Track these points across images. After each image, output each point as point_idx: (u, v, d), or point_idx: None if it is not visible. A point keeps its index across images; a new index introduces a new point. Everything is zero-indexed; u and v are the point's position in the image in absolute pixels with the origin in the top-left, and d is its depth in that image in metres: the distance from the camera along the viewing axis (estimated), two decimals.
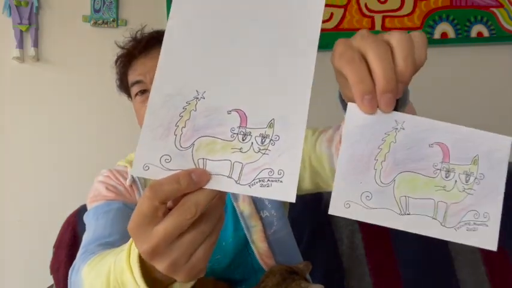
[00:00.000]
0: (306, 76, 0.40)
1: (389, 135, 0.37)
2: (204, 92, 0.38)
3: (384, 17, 1.48)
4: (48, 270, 1.14)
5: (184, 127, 0.38)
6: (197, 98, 0.38)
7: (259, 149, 0.38)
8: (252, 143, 0.38)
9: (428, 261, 1.16)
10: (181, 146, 0.37)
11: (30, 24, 1.40)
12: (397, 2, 1.48)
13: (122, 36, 1.42)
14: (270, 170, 0.37)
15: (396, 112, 0.39)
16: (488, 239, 0.39)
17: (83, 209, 1.18)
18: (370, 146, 0.37)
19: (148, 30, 0.97)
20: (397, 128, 0.38)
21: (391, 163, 0.37)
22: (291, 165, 0.37)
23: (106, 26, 1.43)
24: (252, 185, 0.37)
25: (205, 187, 0.37)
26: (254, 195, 0.37)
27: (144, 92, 0.89)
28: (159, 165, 0.37)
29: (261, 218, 0.89)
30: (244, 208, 0.89)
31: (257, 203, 0.89)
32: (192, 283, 0.45)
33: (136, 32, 0.95)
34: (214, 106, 0.38)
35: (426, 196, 0.36)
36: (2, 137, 1.42)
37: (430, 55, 1.63)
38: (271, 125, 0.38)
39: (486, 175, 0.38)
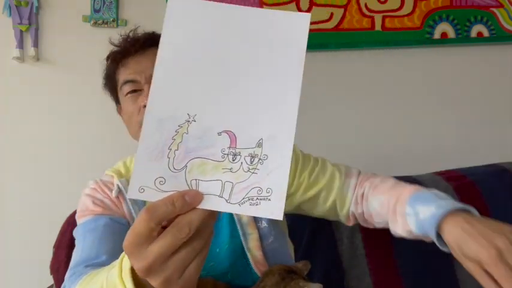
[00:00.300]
0: (293, 95, 0.43)
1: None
2: (195, 115, 0.40)
3: (383, 17, 1.48)
4: (48, 270, 1.14)
5: (177, 150, 0.39)
6: (188, 121, 0.40)
7: (249, 169, 0.39)
8: (242, 162, 0.40)
9: (428, 261, 1.15)
10: (174, 168, 0.39)
11: (30, 24, 1.40)
12: (397, 2, 1.48)
13: (119, 36, 1.42)
14: (258, 188, 0.39)
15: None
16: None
17: None
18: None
19: (143, 30, 0.96)
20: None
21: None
22: (278, 183, 0.39)
23: (106, 26, 1.43)
24: (242, 203, 0.39)
25: (198, 207, 0.39)
26: (243, 213, 0.39)
27: (135, 91, 0.87)
28: (153, 187, 0.39)
29: (258, 228, 0.89)
30: (242, 216, 0.89)
31: None
32: None
33: (130, 32, 0.94)
34: (205, 128, 0.40)
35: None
36: (2, 137, 1.42)
37: (430, 55, 1.63)
38: (259, 144, 0.40)
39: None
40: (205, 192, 0.39)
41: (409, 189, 0.78)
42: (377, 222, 0.87)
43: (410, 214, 0.71)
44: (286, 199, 0.88)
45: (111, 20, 1.43)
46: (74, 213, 1.17)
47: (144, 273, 0.40)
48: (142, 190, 0.39)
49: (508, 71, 1.55)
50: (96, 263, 0.76)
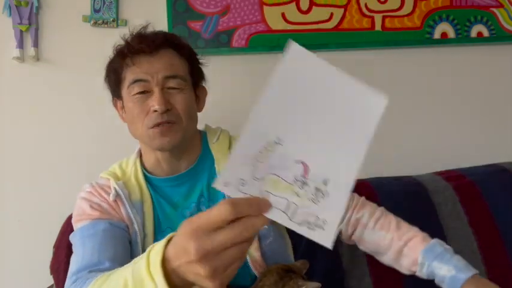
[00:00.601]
0: (359, 155, 0.50)
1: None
2: (283, 140, 0.48)
3: (383, 17, 1.48)
4: (48, 270, 1.14)
5: (262, 162, 0.47)
6: (277, 143, 0.48)
7: (312, 199, 0.47)
8: (307, 191, 0.47)
9: None
10: (255, 176, 0.46)
11: (30, 24, 1.40)
12: (397, 2, 1.48)
13: (122, 36, 1.42)
14: (316, 217, 0.46)
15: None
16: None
17: None
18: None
19: (153, 28, 0.94)
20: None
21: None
22: (333, 218, 0.47)
23: (106, 26, 1.43)
24: (300, 224, 0.46)
25: (264, 215, 0.45)
26: (299, 232, 0.46)
27: (144, 93, 0.85)
28: (235, 185, 0.46)
29: None
30: None
31: None
32: None
33: (141, 29, 0.92)
34: (286, 153, 0.48)
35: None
36: (2, 137, 1.42)
37: (430, 55, 1.64)
38: (325, 182, 0.48)
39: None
40: (273, 205, 0.46)
41: (418, 237, 0.85)
42: (366, 248, 0.93)
43: (424, 264, 0.81)
44: None
45: (111, 20, 1.43)
46: None
47: (200, 256, 0.43)
48: (226, 185, 0.46)
49: (508, 71, 1.55)
50: (99, 269, 0.76)
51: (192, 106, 0.90)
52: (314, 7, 1.46)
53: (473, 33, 1.50)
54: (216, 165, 0.91)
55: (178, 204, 0.91)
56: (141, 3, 1.44)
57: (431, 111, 1.53)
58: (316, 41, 1.45)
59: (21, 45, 1.39)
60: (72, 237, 0.87)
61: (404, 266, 0.86)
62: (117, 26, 1.43)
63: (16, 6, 1.38)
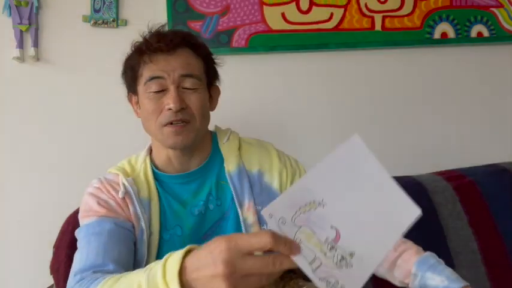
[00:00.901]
0: (387, 244, 0.54)
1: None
2: (326, 203, 0.54)
3: (383, 17, 1.48)
4: (48, 270, 1.14)
5: (303, 213, 0.53)
6: (320, 203, 0.54)
7: (336, 263, 0.51)
8: (334, 255, 0.52)
9: None
10: (294, 222, 0.52)
11: (30, 24, 1.40)
12: (397, 2, 1.48)
13: (121, 36, 1.43)
14: (336, 281, 0.50)
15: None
16: None
17: None
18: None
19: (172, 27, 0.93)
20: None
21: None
22: (351, 286, 0.51)
23: (106, 26, 1.43)
24: (321, 280, 0.50)
25: (292, 257, 0.49)
26: (318, 285, 0.50)
27: (160, 91, 0.86)
28: (277, 220, 0.52)
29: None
30: (248, 216, 0.90)
31: (261, 216, 0.90)
32: None
33: (159, 27, 0.93)
34: (326, 216, 0.53)
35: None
36: (2, 137, 1.42)
37: (430, 55, 1.63)
38: (351, 255, 0.52)
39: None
40: (302, 253, 0.51)
41: (412, 249, 0.88)
42: None
43: (417, 275, 0.82)
44: None
45: (111, 20, 1.43)
46: (74, 213, 1.18)
47: (228, 272, 0.46)
48: (270, 216, 0.51)
49: (508, 71, 1.55)
50: (103, 270, 0.77)
51: (206, 105, 0.91)
52: (314, 7, 1.46)
53: (473, 33, 1.50)
54: (225, 165, 0.93)
55: (187, 201, 0.92)
56: (141, 3, 1.44)
57: (431, 111, 1.53)
58: (316, 41, 1.45)
59: (21, 45, 1.39)
60: (78, 233, 0.87)
61: (397, 277, 0.87)
62: (117, 26, 1.43)
63: (16, 6, 1.38)
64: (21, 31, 1.39)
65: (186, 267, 0.51)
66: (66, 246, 1.12)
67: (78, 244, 0.85)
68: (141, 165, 0.94)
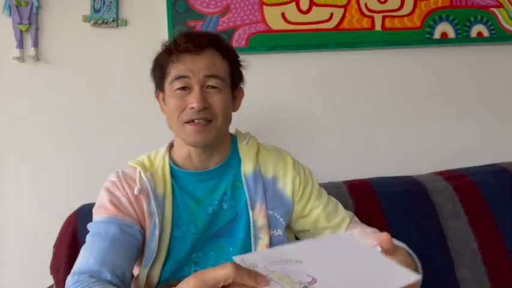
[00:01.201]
0: None
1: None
2: (305, 262, 0.52)
3: (383, 17, 1.48)
4: (48, 270, 1.14)
5: (277, 264, 0.51)
6: (298, 262, 0.52)
7: None
8: None
9: (428, 261, 1.15)
10: (266, 268, 0.50)
11: (30, 24, 1.40)
12: (397, 2, 1.48)
13: (121, 36, 1.43)
14: None
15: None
16: None
17: (82, 209, 1.18)
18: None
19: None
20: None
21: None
22: None
23: (106, 26, 1.43)
24: None
25: None
26: None
27: (184, 88, 0.89)
28: (247, 265, 0.50)
29: (271, 235, 0.92)
30: (258, 219, 0.92)
31: (271, 220, 0.93)
32: None
33: (189, 29, 0.98)
34: (303, 269, 0.51)
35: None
36: (2, 137, 1.42)
37: (430, 55, 1.63)
38: None
39: None
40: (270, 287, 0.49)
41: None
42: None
43: None
44: (298, 221, 0.99)
45: (111, 20, 1.43)
46: (74, 213, 1.18)
47: None
48: (242, 260, 0.50)
49: (508, 71, 1.55)
50: (100, 277, 0.80)
51: (228, 106, 0.93)
52: (314, 7, 1.46)
53: (473, 33, 1.50)
54: (242, 166, 0.95)
55: (202, 199, 0.93)
56: (141, 3, 1.44)
57: (431, 111, 1.53)
58: (316, 41, 1.45)
59: (21, 45, 1.40)
60: (89, 227, 0.91)
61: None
62: (117, 26, 1.43)
63: (16, 6, 1.38)
64: (21, 31, 1.39)
65: None
66: (66, 246, 1.12)
67: (86, 239, 0.88)
68: (160, 161, 0.97)
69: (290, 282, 0.49)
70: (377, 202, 1.20)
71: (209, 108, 0.89)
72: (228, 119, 0.94)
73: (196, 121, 0.88)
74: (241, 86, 1.00)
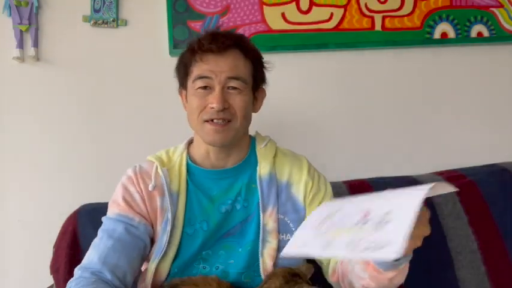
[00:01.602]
0: (415, 200, 0.56)
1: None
2: (343, 207, 0.58)
3: (384, 17, 1.48)
4: (48, 270, 1.14)
5: (324, 224, 0.56)
6: (338, 210, 0.57)
7: (375, 228, 0.52)
8: (370, 225, 0.53)
9: (428, 261, 1.15)
10: (318, 233, 0.56)
11: (30, 24, 1.40)
12: (397, 2, 1.48)
13: (121, 36, 1.43)
14: (377, 241, 0.50)
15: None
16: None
17: (83, 209, 1.18)
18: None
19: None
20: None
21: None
22: (398, 234, 0.50)
23: (106, 26, 1.43)
24: (363, 251, 0.51)
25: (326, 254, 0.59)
26: (364, 258, 0.55)
27: (206, 88, 0.90)
28: (298, 247, 0.59)
29: (279, 239, 0.92)
30: (268, 222, 0.92)
31: (281, 225, 0.93)
32: None
33: (214, 29, 0.96)
34: (346, 211, 0.57)
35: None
36: (2, 137, 1.42)
37: (430, 55, 1.63)
38: (388, 213, 0.54)
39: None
40: (335, 248, 0.52)
41: None
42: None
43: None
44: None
45: (111, 20, 1.43)
46: (74, 213, 1.18)
47: None
48: (289, 247, 0.56)
49: (508, 71, 1.55)
50: (100, 275, 0.83)
51: (249, 107, 0.94)
52: (314, 7, 1.46)
53: (473, 33, 1.50)
54: (258, 168, 0.96)
55: (216, 198, 0.94)
56: (141, 3, 1.44)
57: (431, 111, 1.53)
58: (316, 41, 1.45)
59: (21, 45, 1.39)
60: (103, 219, 0.93)
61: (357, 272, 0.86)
62: (117, 26, 1.43)
63: (16, 6, 1.38)
64: (21, 31, 1.39)
65: None
66: (66, 246, 1.12)
67: (98, 233, 0.91)
68: (178, 157, 0.98)
69: (347, 230, 0.51)
70: None
71: (229, 109, 0.89)
72: (247, 120, 0.95)
73: (215, 121, 0.89)
74: (263, 87, 1.01)
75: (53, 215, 1.24)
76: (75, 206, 1.19)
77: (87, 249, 0.89)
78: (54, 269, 1.12)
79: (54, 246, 1.17)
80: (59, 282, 1.08)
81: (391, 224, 0.50)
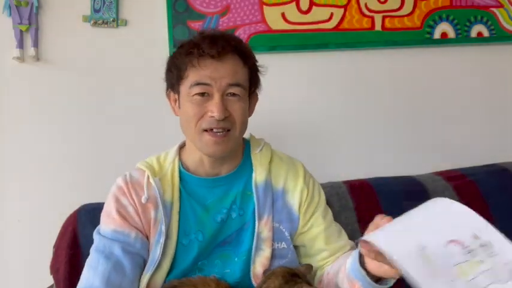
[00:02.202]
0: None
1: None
2: (427, 242, 0.57)
3: (384, 17, 1.48)
4: (48, 270, 1.14)
5: (438, 269, 0.54)
6: (424, 246, 0.56)
7: (487, 256, 0.54)
8: (479, 254, 0.54)
9: None
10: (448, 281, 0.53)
11: (30, 24, 1.40)
12: (397, 2, 1.48)
13: (121, 36, 1.43)
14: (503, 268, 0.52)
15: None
16: None
17: (83, 209, 1.18)
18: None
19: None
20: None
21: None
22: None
23: (106, 26, 1.43)
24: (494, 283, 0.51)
25: None
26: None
27: (203, 95, 0.86)
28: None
29: (274, 248, 0.90)
30: (263, 230, 0.90)
31: (276, 233, 0.91)
32: None
33: (210, 31, 0.91)
34: (433, 251, 0.55)
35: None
36: (2, 137, 1.42)
37: (430, 55, 1.63)
38: (475, 237, 0.58)
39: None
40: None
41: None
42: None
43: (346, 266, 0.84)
44: (298, 236, 0.95)
45: (111, 20, 1.42)
46: (74, 213, 1.18)
47: None
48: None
49: (508, 71, 1.55)
50: None
51: (246, 114, 0.91)
52: (314, 7, 1.46)
53: (473, 33, 1.50)
54: (254, 175, 0.92)
55: (211, 207, 0.91)
56: (141, 3, 1.44)
57: (431, 111, 1.53)
58: (316, 41, 1.45)
59: (21, 45, 1.39)
60: (95, 234, 0.89)
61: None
62: (117, 26, 1.43)
63: (16, 6, 1.38)
64: (21, 31, 1.39)
65: None
66: (66, 246, 1.12)
67: (91, 253, 0.86)
68: (170, 165, 0.93)
69: (469, 264, 0.50)
70: (377, 202, 1.20)
71: (229, 117, 0.86)
72: (245, 127, 0.92)
73: (215, 130, 0.85)
74: (257, 91, 0.97)
75: (53, 215, 1.24)
76: (75, 206, 1.19)
77: (87, 249, 0.88)
78: (54, 269, 1.12)
79: (54, 246, 1.16)
80: (59, 282, 1.08)
81: (495, 247, 0.53)
